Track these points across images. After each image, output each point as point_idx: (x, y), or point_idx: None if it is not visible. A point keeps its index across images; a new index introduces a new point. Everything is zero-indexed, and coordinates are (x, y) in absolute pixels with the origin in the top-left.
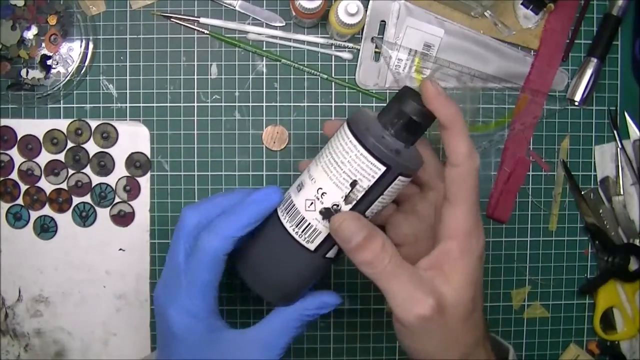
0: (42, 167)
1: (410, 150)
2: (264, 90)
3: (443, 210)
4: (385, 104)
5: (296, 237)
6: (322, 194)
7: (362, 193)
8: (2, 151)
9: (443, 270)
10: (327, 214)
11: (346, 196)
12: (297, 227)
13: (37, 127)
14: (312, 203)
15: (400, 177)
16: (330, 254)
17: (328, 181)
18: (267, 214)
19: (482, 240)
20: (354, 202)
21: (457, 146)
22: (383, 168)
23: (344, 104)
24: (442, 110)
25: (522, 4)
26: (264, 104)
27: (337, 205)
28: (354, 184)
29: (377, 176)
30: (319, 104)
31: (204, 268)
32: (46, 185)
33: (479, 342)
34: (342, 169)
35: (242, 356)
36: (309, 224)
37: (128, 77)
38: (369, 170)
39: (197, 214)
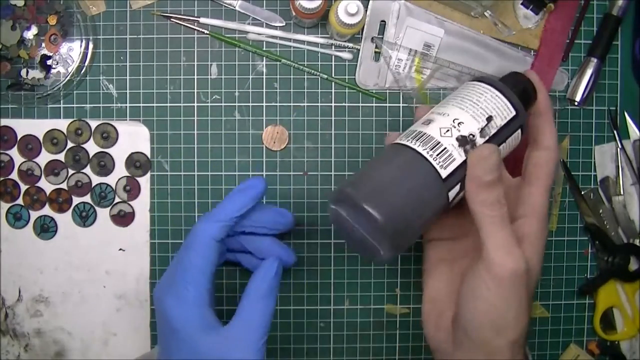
0: (42, 167)
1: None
2: (264, 90)
3: (523, 191)
4: (378, 104)
5: (430, 159)
6: (459, 123)
7: (495, 130)
8: (2, 151)
9: (528, 242)
10: (464, 141)
11: (482, 129)
12: (431, 149)
13: (37, 127)
14: (448, 130)
15: (518, 132)
16: (451, 194)
17: (464, 114)
18: (253, 201)
19: (548, 227)
20: (487, 137)
21: (549, 132)
22: (514, 112)
23: (344, 104)
24: (544, 96)
25: (522, 4)
26: (264, 104)
27: (473, 136)
28: (489, 118)
29: (508, 117)
30: (319, 104)
31: (195, 253)
32: (46, 185)
33: (525, 333)
34: (479, 105)
35: (231, 350)
36: (445, 148)
37: (128, 77)
38: (503, 109)
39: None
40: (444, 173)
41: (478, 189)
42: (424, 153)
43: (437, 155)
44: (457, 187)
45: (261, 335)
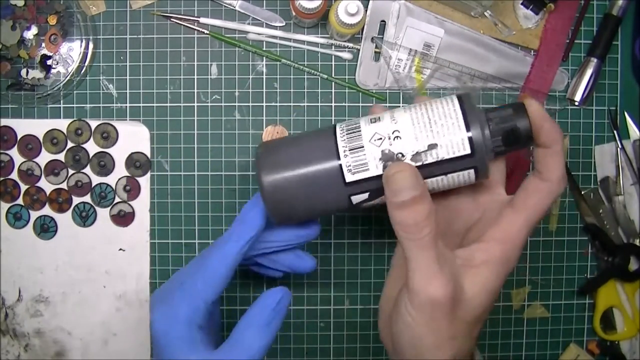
0: (42, 167)
1: (491, 159)
2: (264, 90)
3: (504, 214)
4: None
5: (342, 157)
6: (396, 137)
7: (433, 160)
8: (2, 151)
9: (475, 268)
10: (388, 157)
11: (417, 153)
12: (349, 150)
13: (37, 127)
14: (380, 139)
15: (470, 172)
16: (354, 199)
17: (409, 129)
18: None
19: (517, 260)
20: (419, 164)
21: (555, 165)
22: (468, 151)
23: (344, 104)
24: (549, 129)
25: (522, 4)
26: (264, 104)
27: (403, 155)
28: (432, 146)
29: (457, 154)
30: (319, 104)
31: (203, 280)
32: (46, 185)
33: (468, 354)
34: (431, 127)
35: None
36: (364, 155)
37: (128, 77)
38: (455, 144)
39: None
40: (349, 177)
41: (392, 210)
42: (341, 151)
43: (352, 158)
44: (365, 195)
45: None
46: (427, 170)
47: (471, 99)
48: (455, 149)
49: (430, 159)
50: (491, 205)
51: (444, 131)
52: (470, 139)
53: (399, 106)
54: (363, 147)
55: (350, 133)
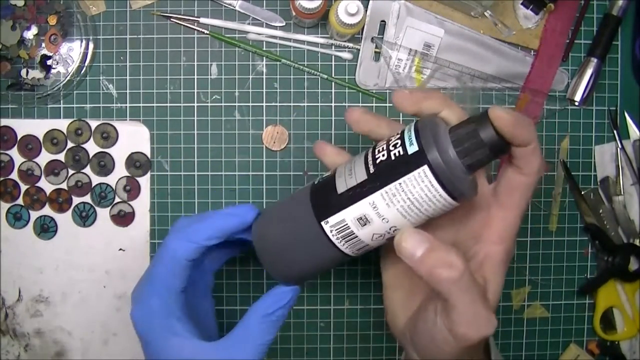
0: (42, 167)
1: (473, 179)
2: (264, 90)
3: (494, 214)
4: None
5: (348, 252)
6: (395, 229)
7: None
8: (2, 151)
9: (487, 277)
10: (390, 239)
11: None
12: (357, 250)
13: (37, 127)
14: (381, 236)
15: (452, 202)
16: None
17: (404, 222)
18: (238, 230)
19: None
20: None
21: (532, 160)
22: (456, 204)
23: (344, 104)
24: (522, 135)
25: (522, 4)
26: (264, 104)
27: None
28: (429, 220)
29: (447, 209)
30: (319, 104)
31: (163, 268)
32: (46, 185)
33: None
34: (423, 213)
35: None
36: (367, 245)
37: (128, 77)
38: (445, 207)
39: (185, 241)
40: (351, 253)
41: (419, 269)
42: (349, 252)
43: (355, 248)
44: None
45: (253, 354)
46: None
47: (439, 144)
48: (445, 209)
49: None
50: (479, 200)
51: (433, 207)
52: (454, 198)
53: (376, 192)
54: (368, 245)
55: (349, 240)
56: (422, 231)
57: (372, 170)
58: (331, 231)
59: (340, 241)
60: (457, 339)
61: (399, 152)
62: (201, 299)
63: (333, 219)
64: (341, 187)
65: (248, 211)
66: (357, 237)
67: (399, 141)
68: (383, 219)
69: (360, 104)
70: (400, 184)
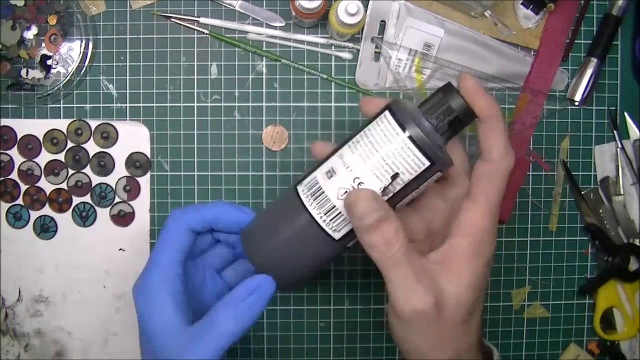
0: (42, 167)
1: (446, 146)
2: (264, 90)
3: (462, 206)
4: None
5: (323, 224)
6: (359, 183)
7: (401, 186)
8: (2, 151)
9: (450, 268)
10: None
11: (385, 188)
12: (325, 214)
13: (37, 127)
14: (345, 192)
15: (437, 173)
16: (351, 243)
17: (367, 171)
18: (234, 223)
19: (493, 246)
20: (390, 195)
21: (493, 142)
22: (427, 163)
23: (344, 104)
24: (482, 104)
25: (522, 4)
26: (264, 104)
27: None
28: (395, 176)
29: (419, 170)
30: (319, 104)
31: (166, 235)
32: (46, 185)
33: (472, 347)
34: (385, 160)
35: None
36: (340, 212)
37: (128, 77)
38: (413, 164)
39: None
40: (337, 235)
41: (360, 234)
42: (318, 218)
43: (331, 220)
44: (355, 238)
45: (222, 343)
46: (399, 196)
47: (403, 106)
48: (416, 167)
49: (398, 187)
50: (458, 198)
51: (398, 158)
52: (424, 153)
53: (344, 145)
54: (335, 206)
55: (316, 198)
56: (380, 198)
57: (346, 137)
58: (303, 190)
59: (309, 199)
60: (394, 310)
61: (369, 118)
62: (196, 280)
63: (307, 179)
64: (320, 159)
65: (245, 210)
66: (323, 192)
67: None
68: (347, 167)
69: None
70: (364, 131)
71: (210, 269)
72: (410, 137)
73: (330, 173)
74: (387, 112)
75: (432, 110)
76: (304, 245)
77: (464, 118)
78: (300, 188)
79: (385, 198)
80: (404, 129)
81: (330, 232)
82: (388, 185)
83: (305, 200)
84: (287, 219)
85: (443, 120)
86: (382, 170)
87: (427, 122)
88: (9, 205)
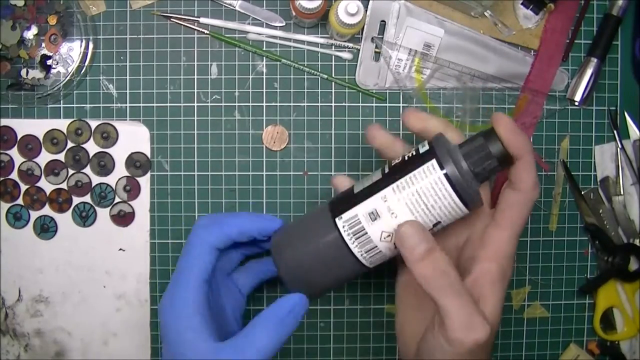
0: (42, 167)
1: (478, 196)
2: (264, 90)
3: (489, 232)
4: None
5: (361, 259)
6: None
7: (439, 229)
8: (2, 151)
9: (483, 293)
10: None
11: None
12: (366, 252)
13: (37, 127)
14: (389, 235)
15: (466, 211)
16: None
17: (412, 219)
18: (262, 234)
19: (512, 269)
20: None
21: (526, 176)
22: (466, 211)
23: (344, 104)
24: (519, 145)
25: (522, 4)
26: (264, 104)
27: None
28: (437, 224)
29: (458, 217)
30: (319, 104)
31: (192, 255)
32: (46, 185)
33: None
34: (431, 212)
35: None
36: (380, 251)
37: (128, 77)
38: (455, 213)
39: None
40: (371, 266)
41: (413, 266)
42: (358, 255)
43: (370, 257)
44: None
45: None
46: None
47: (449, 151)
48: (456, 215)
49: (436, 229)
50: (477, 222)
51: (443, 210)
52: (465, 204)
53: (387, 186)
54: (377, 246)
55: (359, 238)
56: (426, 230)
57: (386, 170)
58: (343, 226)
59: (351, 238)
60: (452, 344)
61: (412, 154)
62: (219, 296)
63: (347, 215)
64: (358, 188)
65: (275, 220)
66: (366, 233)
67: (414, 151)
68: (392, 213)
69: (360, 104)
70: (410, 177)
71: (222, 272)
72: (456, 193)
73: (374, 216)
74: (435, 164)
75: (474, 156)
76: (341, 272)
77: (504, 166)
78: (340, 224)
79: None
80: (451, 184)
81: (366, 264)
82: (429, 230)
83: (347, 239)
84: (327, 251)
85: (483, 167)
86: (426, 220)
87: (468, 168)
88: (9, 205)
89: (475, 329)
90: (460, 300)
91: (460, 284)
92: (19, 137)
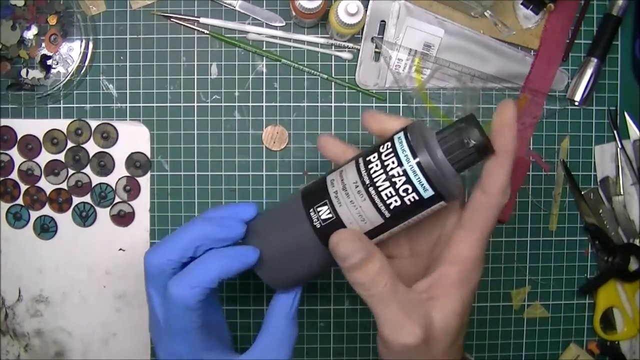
0: (42, 167)
1: (458, 183)
2: (264, 90)
3: (454, 234)
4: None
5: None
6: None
7: (410, 222)
8: (2, 151)
9: (438, 296)
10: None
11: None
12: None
13: (37, 127)
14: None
15: (441, 202)
16: None
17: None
18: (241, 271)
19: (480, 273)
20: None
21: (498, 177)
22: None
23: (344, 104)
24: (506, 141)
25: (522, 4)
26: (264, 104)
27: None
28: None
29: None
30: (319, 104)
31: (176, 316)
32: (46, 185)
33: None
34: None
35: None
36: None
37: (128, 77)
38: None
39: (158, 256)
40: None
41: (346, 273)
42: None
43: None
44: None
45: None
46: (402, 226)
47: (417, 127)
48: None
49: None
50: (449, 221)
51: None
52: (437, 192)
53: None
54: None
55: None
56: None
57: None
58: (316, 218)
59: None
60: (385, 346)
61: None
62: (213, 313)
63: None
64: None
65: (249, 253)
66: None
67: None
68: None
69: (360, 104)
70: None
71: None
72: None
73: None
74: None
75: (449, 143)
76: (308, 257)
77: (482, 157)
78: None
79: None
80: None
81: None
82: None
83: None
84: (301, 242)
85: (458, 154)
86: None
87: (441, 151)
88: (9, 205)
89: (403, 333)
90: (388, 305)
91: (391, 291)
92: (19, 137)
